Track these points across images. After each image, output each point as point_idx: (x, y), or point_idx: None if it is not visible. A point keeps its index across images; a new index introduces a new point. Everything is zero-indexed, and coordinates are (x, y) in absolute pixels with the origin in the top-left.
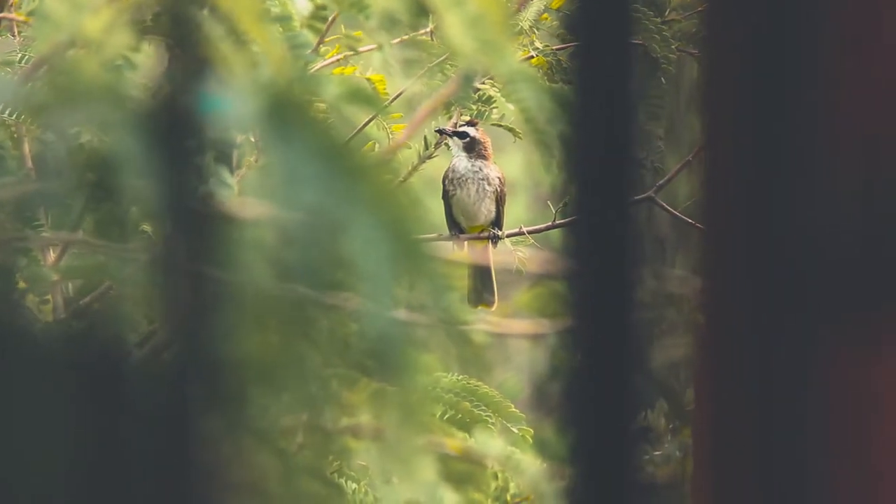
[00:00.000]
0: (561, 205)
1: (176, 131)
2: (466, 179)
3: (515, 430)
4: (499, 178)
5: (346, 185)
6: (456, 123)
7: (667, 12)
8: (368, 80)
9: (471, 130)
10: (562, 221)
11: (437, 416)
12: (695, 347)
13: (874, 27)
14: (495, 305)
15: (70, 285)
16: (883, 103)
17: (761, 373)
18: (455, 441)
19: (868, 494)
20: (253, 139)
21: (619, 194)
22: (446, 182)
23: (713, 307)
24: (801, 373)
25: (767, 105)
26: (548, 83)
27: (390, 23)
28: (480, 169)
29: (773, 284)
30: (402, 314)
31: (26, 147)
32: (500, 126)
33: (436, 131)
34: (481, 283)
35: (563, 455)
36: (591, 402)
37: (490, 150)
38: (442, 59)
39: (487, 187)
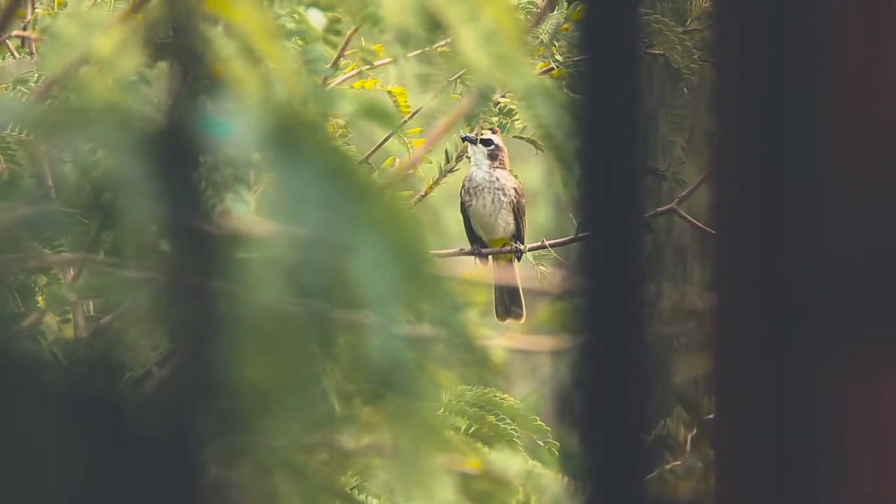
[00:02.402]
0: (575, 221)
1: (186, 150)
2: (482, 189)
3: (542, 444)
4: (515, 188)
5: (353, 206)
6: (478, 135)
7: (688, 22)
8: (390, 93)
9: (495, 138)
10: (578, 236)
11: (462, 429)
12: (709, 362)
13: (876, 60)
14: (524, 318)
15: (91, 304)
16: (885, 126)
17: (772, 388)
18: (474, 459)
19: None
20: (262, 158)
21: (628, 210)
22: (463, 192)
23: (725, 323)
24: (810, 388)
25: (774, 128)
26: (569, 95)
27: (405, 37)
28: (497, 179)
29: (782, 301)
30: (418, 331)
31: (45, 167)
32: (522, 138)
33: (461, 138)
34: (508, 297)
35: (579, 470)
36: (601, 417)
37: (507, 161)
38: (459, 74)
39: (503, 197)
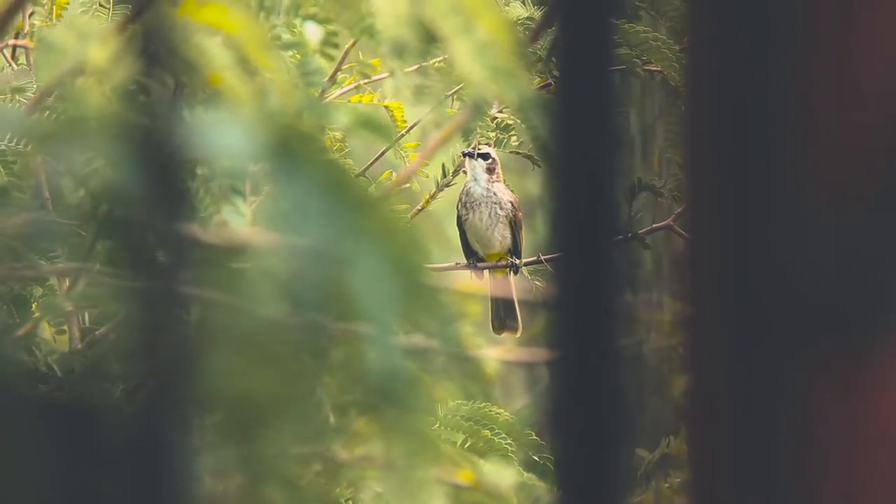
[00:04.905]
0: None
1: (181, 161)
2: (479, 203)
3: (537, 459)
4: (511, 202)
5: (350, 219)
6: (475, 149)
7: (685, 39)
8: (386, 107)
9: (492, 152)
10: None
11: (458, 444)
12: (684, 372)
13: (848, 69)
14: (520, 332)
15: (87, 315)
16: (857, 137)
17: (744, 397)
18: (467, 472)
19: None
20: (258, 169)
21: (603, 224)
22: (459, 206)
23: (698, 333)
24: (782, 397)
25: (746, 138)
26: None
27: (401, 50)
28: (495, 193)
29: (753, 310)
30: (414, 343)
31: (42, 177)
32: (519, 153)
33: (462, 154)
34: (504, 311)
35: (559, 483)
36: (577, 432)
37: (501, 173)
38: (456, 89)
39: (500, 211)
